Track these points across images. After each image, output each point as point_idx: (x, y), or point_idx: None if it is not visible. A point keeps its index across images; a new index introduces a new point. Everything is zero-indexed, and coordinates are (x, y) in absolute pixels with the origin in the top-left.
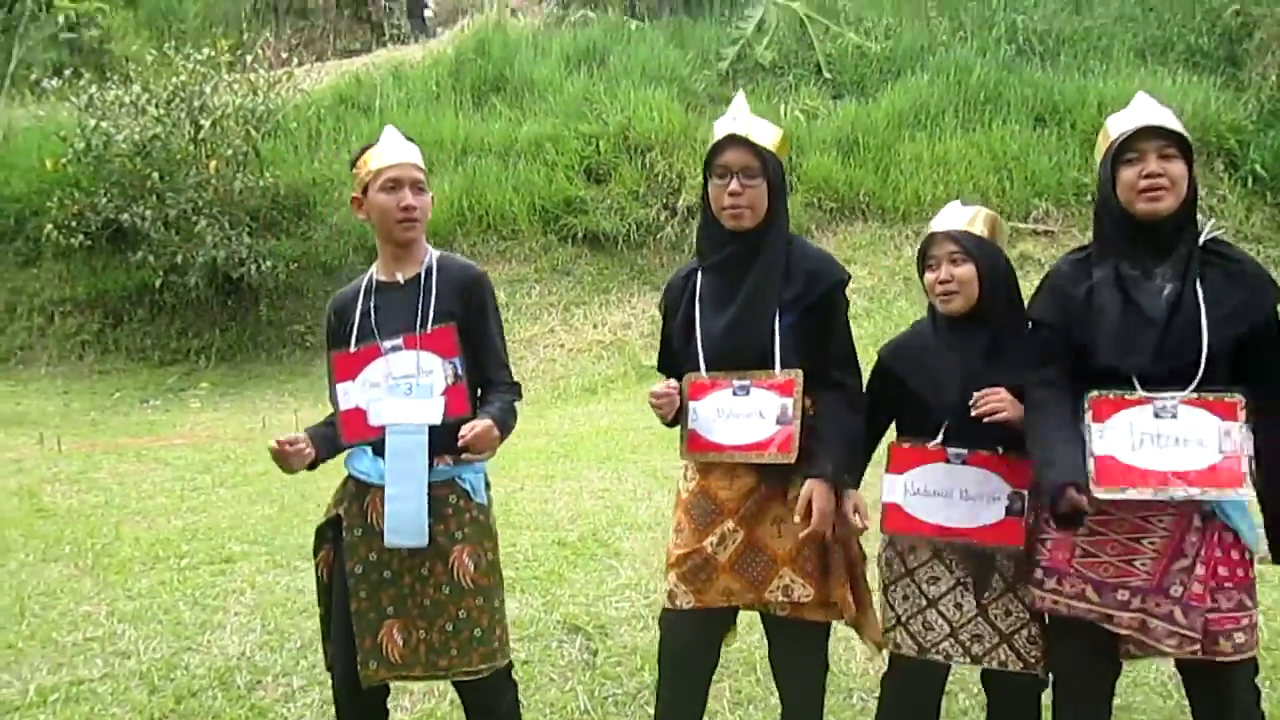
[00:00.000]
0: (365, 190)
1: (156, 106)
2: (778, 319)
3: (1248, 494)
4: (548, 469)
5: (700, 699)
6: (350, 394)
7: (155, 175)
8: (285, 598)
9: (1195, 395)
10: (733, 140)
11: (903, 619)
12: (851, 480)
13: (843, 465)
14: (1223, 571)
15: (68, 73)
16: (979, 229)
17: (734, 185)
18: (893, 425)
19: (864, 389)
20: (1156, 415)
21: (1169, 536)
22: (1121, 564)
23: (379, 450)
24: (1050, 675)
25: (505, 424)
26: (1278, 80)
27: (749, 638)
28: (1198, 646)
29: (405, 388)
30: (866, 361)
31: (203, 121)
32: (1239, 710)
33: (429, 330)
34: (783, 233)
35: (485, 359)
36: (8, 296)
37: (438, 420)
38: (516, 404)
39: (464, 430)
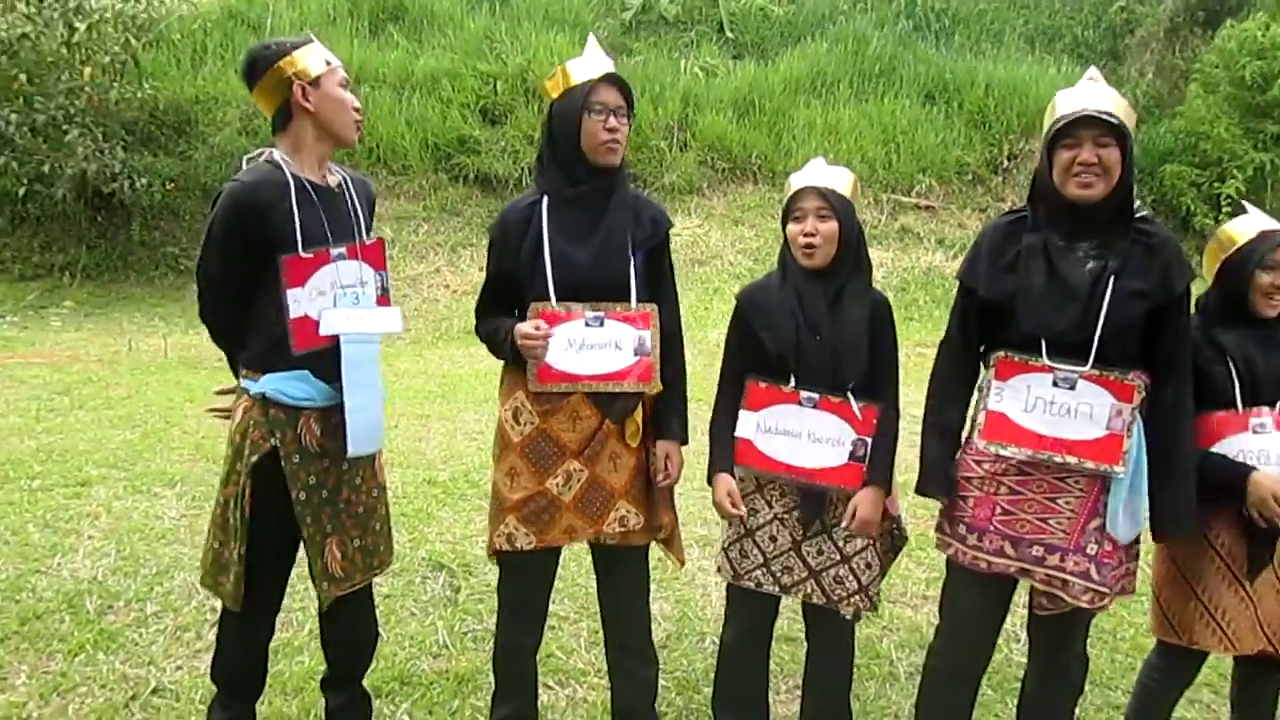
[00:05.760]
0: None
1: (27, 4)
2: (631, 255)
3: (1120, 470)
4: (424, 409)
5: (541, 625)
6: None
7: (23, 77)
8: (143, 523)
9: (1097, 372)
10: (610, 79)
11: (726, 545)
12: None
13: (684, 423)
14: None
15: None
16: (844, 189)
17: (612, 122)
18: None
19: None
20: (1055, 384)
21: (1084, 497)
22: (1038, 522)
23: (316, 372)
24: (857, 613)
25: None
26: (1154, 76)
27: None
28: (1108, 600)
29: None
30: None
31: (78, 24)
32: (1074, 647)
33: (368, 240)
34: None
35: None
36: None
37: (398, 328)
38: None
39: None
